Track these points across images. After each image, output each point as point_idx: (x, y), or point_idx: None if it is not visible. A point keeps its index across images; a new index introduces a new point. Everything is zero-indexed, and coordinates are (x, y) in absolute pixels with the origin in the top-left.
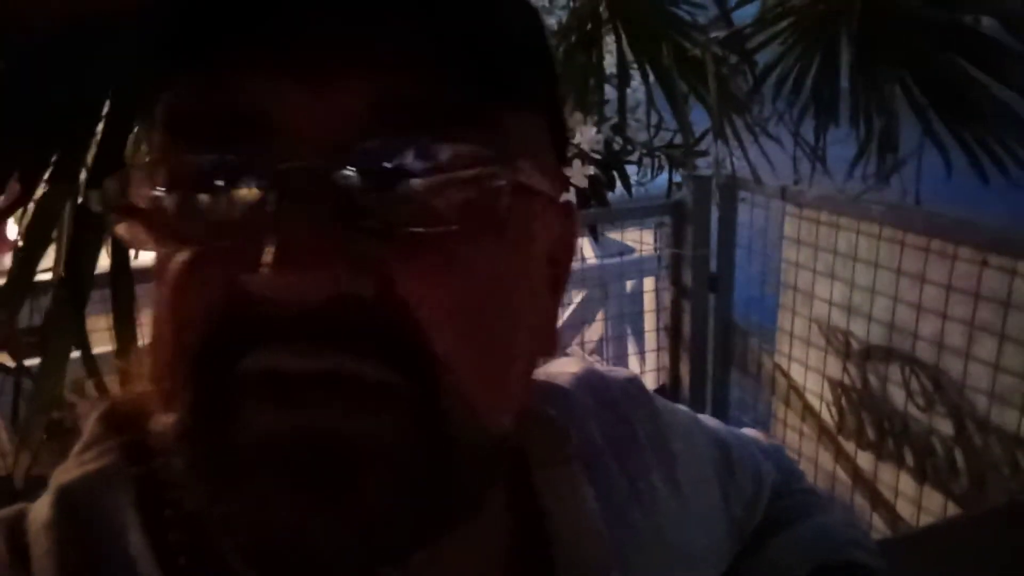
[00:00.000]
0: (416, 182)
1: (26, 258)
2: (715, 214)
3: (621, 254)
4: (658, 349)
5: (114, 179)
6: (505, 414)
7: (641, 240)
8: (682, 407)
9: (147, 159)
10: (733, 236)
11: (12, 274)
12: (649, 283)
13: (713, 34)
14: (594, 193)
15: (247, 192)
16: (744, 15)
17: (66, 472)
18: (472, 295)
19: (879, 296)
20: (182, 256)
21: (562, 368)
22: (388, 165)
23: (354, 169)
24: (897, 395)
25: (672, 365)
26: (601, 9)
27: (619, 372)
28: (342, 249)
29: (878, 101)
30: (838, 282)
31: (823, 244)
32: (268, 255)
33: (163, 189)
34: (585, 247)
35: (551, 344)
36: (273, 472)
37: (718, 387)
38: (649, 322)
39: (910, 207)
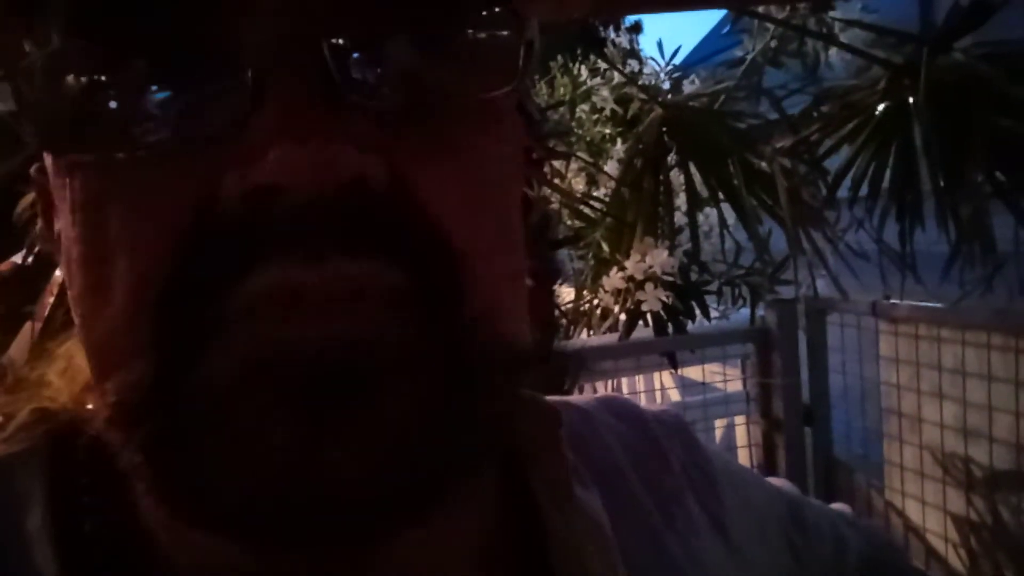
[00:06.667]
0: (417, 49)
1: None
2: (803, 339)
3: (704, 384)
4: None
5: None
6: (524, 327)
7: (724, 374)
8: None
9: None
10: (825, 361)
11: None
12: (740, 420)
13: (778, 144)
14: (671, 320)
15: (220, 74)
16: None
17: None
18: (482, 185)
19: (998, 413)
20: (130, 167)
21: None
22: (383, 31)
23: (346, 38)
24: None
25: None
26: (664, 135)
27: (656, 406)
28: (347, 124)
29: (964, 194)
30: (948, 402)
31: (925, 360)
32: (266, 136)
33: (100, 79)
34: (666, 379)
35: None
36: (276, 395)
37: None
38: (743, 458)
39: (1020, 309)
